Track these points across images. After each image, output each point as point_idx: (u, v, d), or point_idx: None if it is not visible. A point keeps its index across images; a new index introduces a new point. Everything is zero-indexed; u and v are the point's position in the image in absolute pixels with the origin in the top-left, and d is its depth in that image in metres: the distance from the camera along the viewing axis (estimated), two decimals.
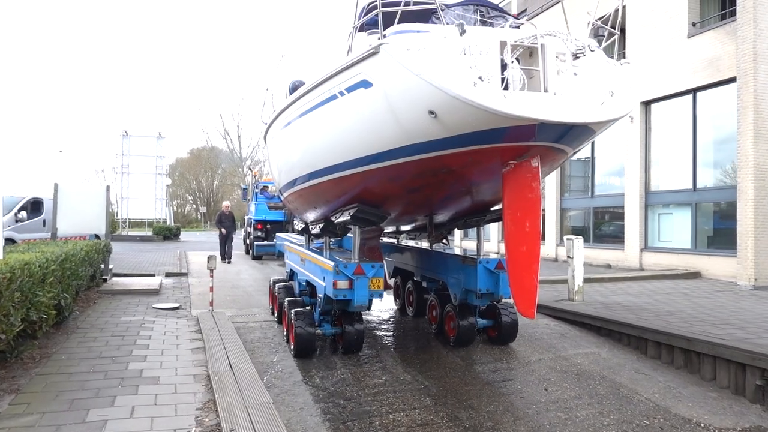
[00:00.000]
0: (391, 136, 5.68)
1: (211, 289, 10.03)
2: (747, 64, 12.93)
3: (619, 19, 5.72)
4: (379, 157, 5.98)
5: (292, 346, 7.56)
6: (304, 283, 8.93)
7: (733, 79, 13.52)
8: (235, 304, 11.14)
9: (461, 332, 7.97)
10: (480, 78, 4.82)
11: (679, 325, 8.30)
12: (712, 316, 9.16)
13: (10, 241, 15.78)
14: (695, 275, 14.63)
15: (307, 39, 79.16)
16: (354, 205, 6.96)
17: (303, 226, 9.93)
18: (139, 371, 6.29)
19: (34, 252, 7.55)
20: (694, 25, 15.05)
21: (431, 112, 5.00)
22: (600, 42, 5.82)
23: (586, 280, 10.88)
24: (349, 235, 7.93)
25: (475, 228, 8.08)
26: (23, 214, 17.54)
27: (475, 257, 7.50)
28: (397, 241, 10.92)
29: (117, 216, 38.31)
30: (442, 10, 5.56)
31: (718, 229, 14.78)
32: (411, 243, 10.75)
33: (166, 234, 36.37)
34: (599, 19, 5.92)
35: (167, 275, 15.09)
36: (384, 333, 9.26)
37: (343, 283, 6.79)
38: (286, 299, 8.56)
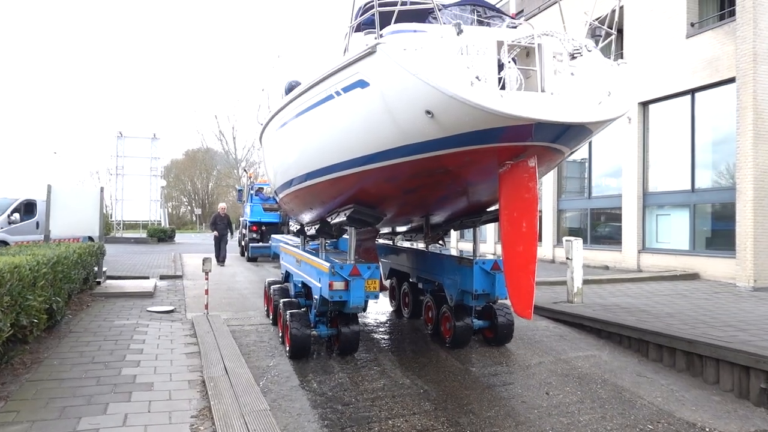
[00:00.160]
0: (388, 136, 5.64)
1: (206, 291, 9.89)
2: (746, 64, 12.88)
3: (616, 19, 5.71)
4: (375, 158, 5.94)
5: (287, 348, 7.55)
6: (299, 285, 8.89)
7: (732, 80, 13.47)
8: (231, 307, 11.00)
9: (457, 333, 7.98)
10: (477, 78, 4.79)
11: (679, 327, 8.22)
12: (712, 317, 9.08)
13: (2, 243, 15.64)
14: (693, 276, 14.58)
15: (303, 39, 79.12)
16: (350, 206, 6.92)
17: (298, 227, 9.90)
18: (132, 377, 6.15)
19: (24, 255, 7.39)
20: (692, 25, 15.01)
21: (428, 112, 4.97)
22: (597, 42, 5.81)
23: (585, 282, 10.80)
24: (345, 236, 7.89)
25: (472, 229, 8.06)
26: (16, 216, 17.39)
27: (472, 258, 7.49)
28: (393, 243, 10.91)
29: (111, 218, 38.14)
30: (439, 10, 5.52)
31: (717, 230, 14.73)
32: (407, 244, 10.74)
33: (161, 236, 36.12)
34: (596, 19, 5.90)
35: (162, 278, 14.93)
36: (380, 335, 9.15)
37: (339, 285, 6.78)
38: (282, 301, 8.52)
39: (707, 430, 5.76)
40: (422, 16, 6.26)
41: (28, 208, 17.83)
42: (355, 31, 6.81)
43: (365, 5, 6.69)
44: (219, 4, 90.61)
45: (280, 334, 8.23)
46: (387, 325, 10.02)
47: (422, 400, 6.22)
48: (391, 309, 11.06)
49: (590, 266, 17.14)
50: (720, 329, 8.05)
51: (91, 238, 13.86)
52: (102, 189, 13.97)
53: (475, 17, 6.47)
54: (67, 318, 8.87)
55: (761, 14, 12.85)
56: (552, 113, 4.83)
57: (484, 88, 4.77)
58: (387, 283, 10.93)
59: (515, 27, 6.12)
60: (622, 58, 17.09)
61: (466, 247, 20.78)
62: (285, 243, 11.05)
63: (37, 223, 17.53)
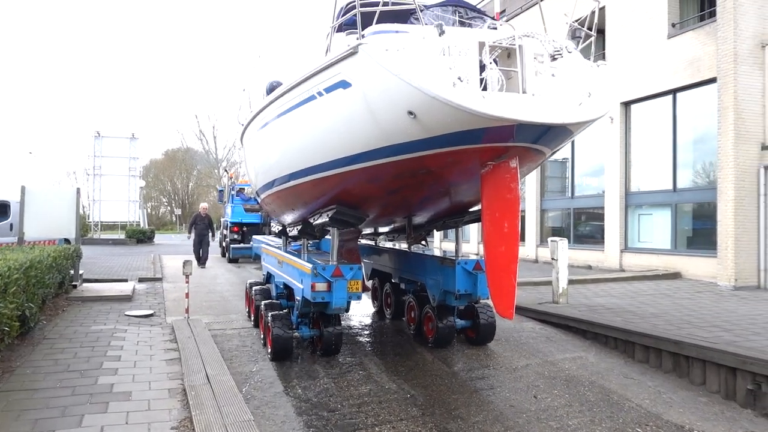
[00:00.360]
0: (370, 137, 5.63)
1: (187, 295, 9.67)
2: (727, 64, 12.98)
3: (596, 21, 5.75)
4: (357, 158, 5.93)
5: (269, 350, 7.51)
6: (281, 286, 8.85)
7: (713, 80, 13.57)
8: (212, 311, 10.78)
9: (440, 333, 8.02)
10: (459, 78, 4.81)
11: (665, 327, 8.21)
12: (696, 317, 9.10)
13: None
14: (675, 276, 14.68)
15: (284, 39, 78.57)
16: (332, 207, 6.90)
17: (280, 228, 9.82)
18: (109, 386, 5.94)
19: None
20: (674, 25, 15.11)
21: (410, 113, 4.97)
22: (577, 43, 5.85)
23: (569, 282, 10.78)
24: (327, 237, 7.87)
25: (454, 229, 8.09)
26: None
27: (454, 258, 7.53)
28: (376, 243, 10.89)
29: (89, 219, 37.42)
30: (421, 11, 5.54)
31: (698, 230, 14.85)
32: (389, 245, 10.72)
33: (140, 237, 35.53)
34: (576, 20, 5.94)
35: (140, 280, 14.61)
36: (364, 337, 9.03)
37: (321, 286, 6.76)
38: (263, 302, 8.48)
39: None
40: (404, 16, 6.28)
41: (1, 210, 17.38)
42: (337, 32, 6.80)
43: (347, 5, 6.67)
44: (199, 2, 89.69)
45: (262, 336, 8.17)
46: (370, 326, 9.92)
47: (409, 405, 6.10)
48: (373, 310, 10.99)
49: (573, 266, 17.16)
50: (705, 330, 8.06)
51: (67, 240, 13.49)
52: (78, 190, 13.62)
53: (457, 18, 6.51)
54: (41, 324, 8.59)
55: (741, 15, 12.96)
56: (533, 114, 4.88)
57: (466, 89, 4.80)
58: (369, 283, 10.88)
59: (496, 28, 6.15)
60: (604, 58, 17.17)
61: (450, 247, 20.72)
62: (266, 244, 10.94)
63: (11, 225, 17.04)
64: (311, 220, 7.60)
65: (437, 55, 4.94)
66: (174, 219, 68.63)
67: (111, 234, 38.22)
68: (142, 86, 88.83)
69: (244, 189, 22.35)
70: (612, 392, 6.66)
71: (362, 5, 5.36)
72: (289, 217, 8.89)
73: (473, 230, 23.22)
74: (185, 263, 9.83)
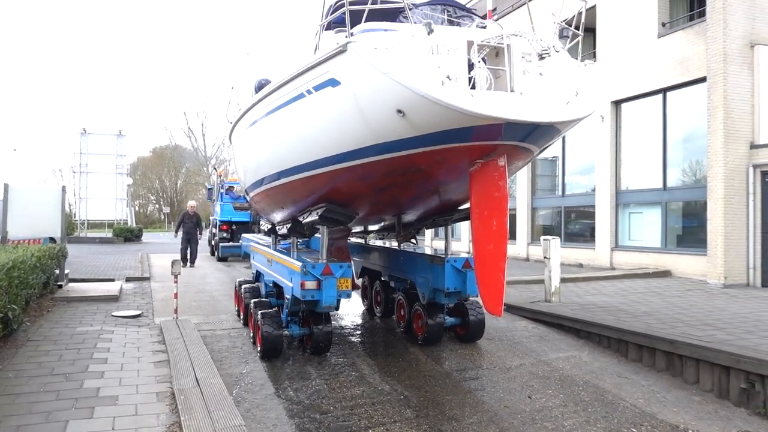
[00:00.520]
0: (359, 135, 5.63)
1: (176, 295, 9.52)
2: (717, 64, 13.00)
3: (583, 20, 5.79)
4: (347, 157, 5.93)
5: (258, 349, 7.47)
6: (270, 285, 8.80)
7: (703, 79, 13.58)
8: (201, 311, 10.63)
9: (430, 331, 8.04)
10: (448, 77, 4.83)
11: (657, 326, 8.19)
12: (688, 316, 9.10)
13: None
14: (665, 274, 14.71)
15: (273, 37, 78.11)
16: (322, 205, 6.90)
17: (270, 226, 9.76)
18: (95, 390, 5.79)
19: None
20: (664, 25, 15.11)
21: (399, 111, 4.98)
22: (565, 43, 5.87)
23: (561, 281, 10.75)
24: (317, 235, 7.82)
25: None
26: None
27: (443, 256, 7.56)
28: (365, 241, 10.85)
29: (75, 217, 36.96)
30: (410, 9, 5.51)
31: (688, 228, 14.89)
32: (379, 243, 10.72)
33: (127, 235, 35.14)
34: (564, 20, 5.97)
35: (128, 280, 14.39)
36: (355, 337, 8.94)
37: (311, 284, 6.75)
38: (253, 301, 8.46)
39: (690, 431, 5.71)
40: (393, 15, 6.29)
41: None
42: (326, 30, 6.80)
43: (336, 3, 6.63)
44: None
45: (252, 335, 8.13)
46: (359, 324, 9.86)
47: (403, 406, 6.02)
48: (363, 308, 10.94)
49: (564, 264, 17.12)
50: (698, 328, 8.05)
51: (52, 239, 13.25)
52: (64, 187, 13.40)
53: (446, 17, 6.53)
54: (25, 326, 8.40)
55: (731, 15, 12.99)
56: (521, 113, 4.91)
57: (454, 88, 4.82)
58: (359, 282, 10.87)
59: (485, 27, 6.14)
60: (594, 57, 17.20)
61: (441, 245, 20.66)
62: (256, 242, 10.84)
63: None
64: (301, 219, 7.57)
65: (426, 54, 4.95)
66: (162, 217, 68.07)
67: (98, 232, 37.77)
68: (129, 83, 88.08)
69: (233, 187, 22.19)
70: (606, 392, 6.62)
71: (351, 3, 5.35)
72: (278, 216, 8.85)
73: (464, 228, 23.16)
74: (174, 263, 9.69)
